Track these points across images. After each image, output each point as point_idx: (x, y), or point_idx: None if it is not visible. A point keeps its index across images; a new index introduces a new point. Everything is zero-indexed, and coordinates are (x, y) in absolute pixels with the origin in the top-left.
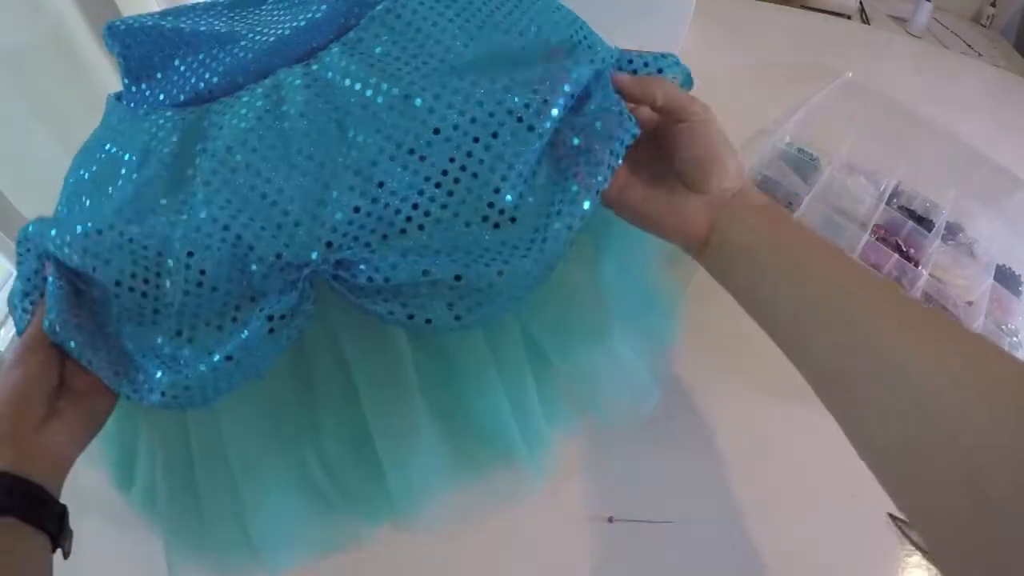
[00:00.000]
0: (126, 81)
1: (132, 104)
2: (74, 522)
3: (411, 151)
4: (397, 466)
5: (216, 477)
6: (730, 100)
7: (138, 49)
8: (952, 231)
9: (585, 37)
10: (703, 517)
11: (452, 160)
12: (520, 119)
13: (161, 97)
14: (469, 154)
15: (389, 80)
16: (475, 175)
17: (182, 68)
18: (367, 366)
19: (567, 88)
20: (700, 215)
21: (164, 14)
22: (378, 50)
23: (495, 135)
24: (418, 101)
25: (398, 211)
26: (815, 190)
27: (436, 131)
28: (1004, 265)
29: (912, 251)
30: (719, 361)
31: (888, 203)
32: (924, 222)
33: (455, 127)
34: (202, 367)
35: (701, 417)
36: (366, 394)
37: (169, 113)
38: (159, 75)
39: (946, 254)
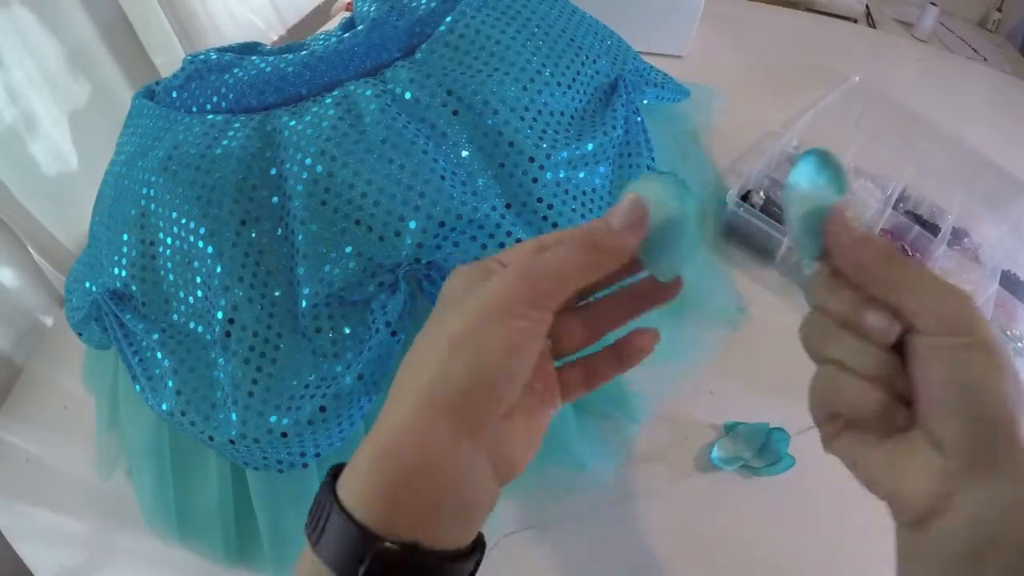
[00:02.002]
0: (179, 82)
1: (178, 104)
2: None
3: (501, 165)
4: None
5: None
6: (737, 102)
7: (200, 64)
8: (958, 236)
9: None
10: (704, 516)
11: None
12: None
13: (215, 99)
14: None
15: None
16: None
17: (239, 73)
18: None
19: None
20: (925, 481)
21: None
22: (442, 67)
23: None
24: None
25: (481, 226)
26: None
27: (511, 144)
28: (1009, 271)
29: (918, 256)
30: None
31: (894, 207)
32: (930, 227)
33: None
34: (348, 379)
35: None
36: None
37: (235, 117)
38: (213, 77)
39: (952, 259)
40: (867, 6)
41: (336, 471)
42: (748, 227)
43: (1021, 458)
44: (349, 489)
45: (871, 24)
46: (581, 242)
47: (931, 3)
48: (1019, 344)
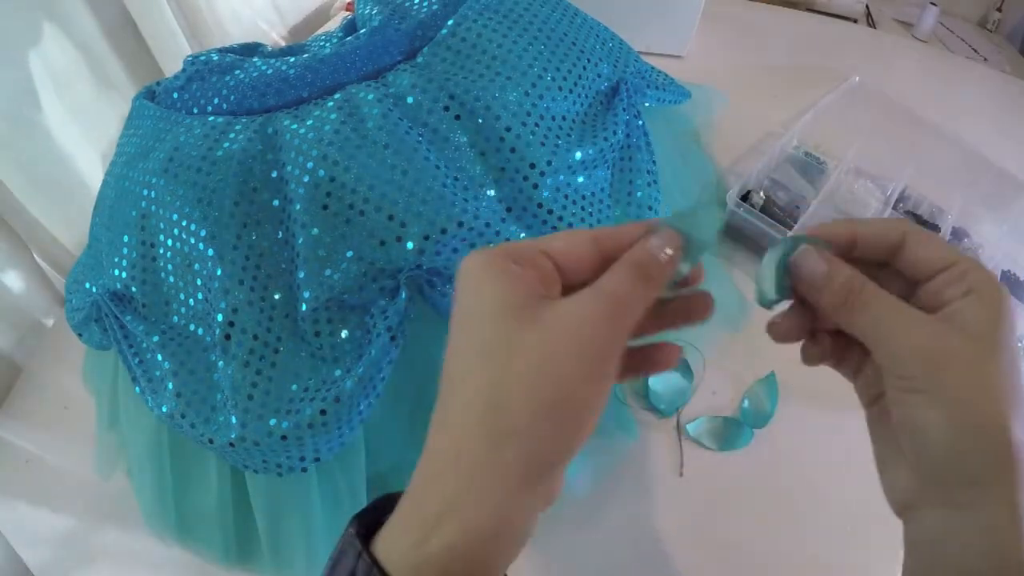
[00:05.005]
0: (180, 83)
1: (178, 105)
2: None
3: (502, 170)
4: None
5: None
6: (737, 102)
7: (201, 65)
8: (958, 236)
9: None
10: (705, 516)
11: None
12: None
13: (216, 101)
14: None
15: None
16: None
17: (240, 75)
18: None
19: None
20: (903, 482)
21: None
22: (444, 70)
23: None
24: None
25: (487, 224)
26: (822, 194)
27: (513, 149)
28: (1009, 271)
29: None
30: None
31: (895, 207)
32: (930, 227)
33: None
34: (348, 383)
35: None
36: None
37: (236, 119)
38: (214, 79)
39: None
40: (867, 6)
41: (363, 531)
42: (748, 227)
43: (978, 494)
44: (412, 567)
45: (871, 24)
46: (636, 270)
47: (931, 3)
48: (1019, 344)
